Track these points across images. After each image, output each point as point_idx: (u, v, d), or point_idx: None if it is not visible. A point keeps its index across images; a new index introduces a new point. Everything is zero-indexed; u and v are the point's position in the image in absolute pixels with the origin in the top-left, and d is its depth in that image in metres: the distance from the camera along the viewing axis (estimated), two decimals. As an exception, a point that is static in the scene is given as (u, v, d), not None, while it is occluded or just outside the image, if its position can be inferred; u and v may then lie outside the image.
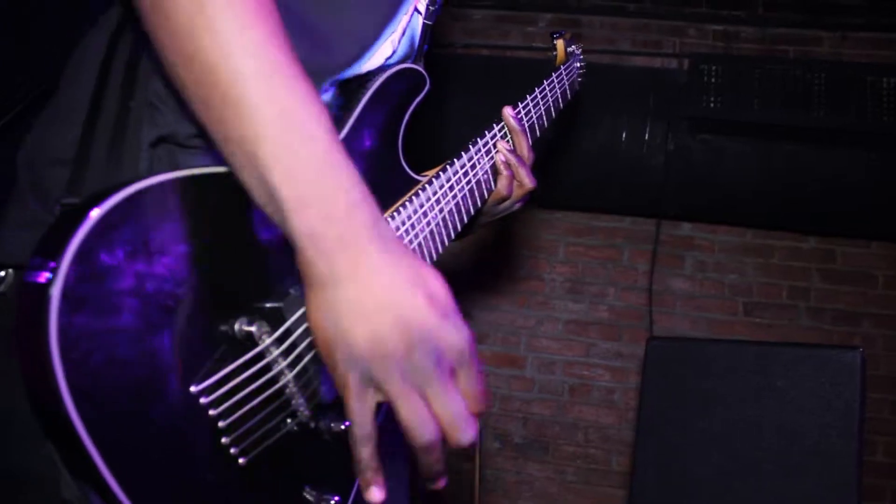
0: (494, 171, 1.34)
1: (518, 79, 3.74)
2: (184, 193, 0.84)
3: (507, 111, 1.38)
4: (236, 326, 0.86)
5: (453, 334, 0.81)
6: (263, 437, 0.87)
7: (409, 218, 1.12)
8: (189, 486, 0.81)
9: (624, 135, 3.26)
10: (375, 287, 0.79)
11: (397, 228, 1.09)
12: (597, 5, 4.24)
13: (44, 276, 0.72)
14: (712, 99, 3.01)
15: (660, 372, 2.52)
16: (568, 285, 4.00)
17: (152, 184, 0.81)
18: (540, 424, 3.86)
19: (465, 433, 0.82)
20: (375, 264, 0.80)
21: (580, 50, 1.76)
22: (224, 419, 0.83)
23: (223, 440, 0.83)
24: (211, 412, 0.82)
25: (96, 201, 0.77)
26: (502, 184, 1.35)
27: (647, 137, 3.22)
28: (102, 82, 0.97)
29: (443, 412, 0.81)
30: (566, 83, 1.62)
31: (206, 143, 0.96)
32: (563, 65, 1.63)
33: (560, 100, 1.59)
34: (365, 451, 0.83)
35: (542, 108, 1.51)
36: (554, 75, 1.57)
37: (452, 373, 0.82)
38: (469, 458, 3.32)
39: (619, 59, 4.04)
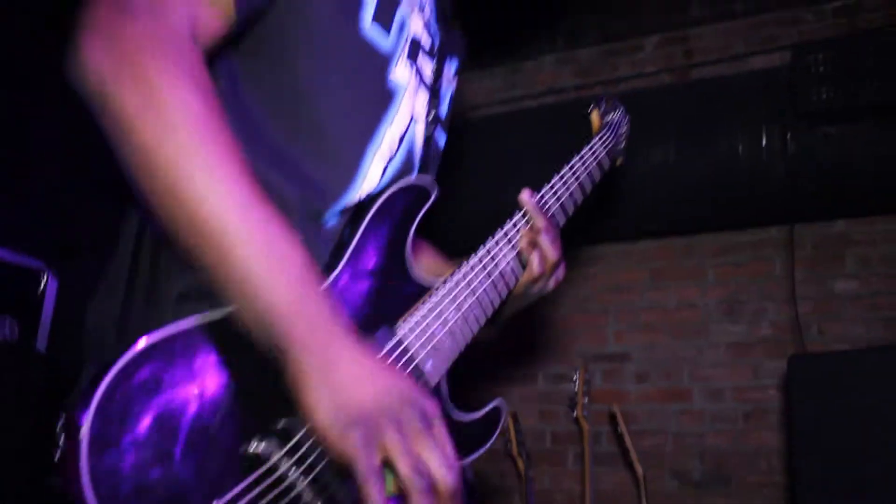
0: (520, 259, 1.35)
1: (633, 109, 3.70)
2: (197, 338, 0.96)
3: (525, 197, 1.37)
4: (251, 446, 0.97)
5: (427, 399, 0.96)
6: (286, 543, 0.96)
7: (423, 319, 1.18)
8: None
9: (741, 147, 3.12)
10: (365, 365, 0.94)
11: (410, 331, 1.16)
12: (703, 15, 4.12)
13: (77, 424, 0.87)
14: (823, 89, 2.82)
15: (806, 390, 2.37)
16: (723, 307, 3.83)
17: (166, 334, 0.94)
18: (718, 456, 3.68)
19: (450, 475, 0.92)
20: (358, 353, 0.95)
21: (621, 111, 1.73)
22: (248, 529, 0.93)
23: (248, 548, 0.93)
24: (234, 524, 0.93)
25: (118, 356, 0.91)
26: (534, 263, 1.34)
27: (764, 143, 3.07)
28: (138, 248, 1.13)
29: (431, 457, 0.92)
30: (602, 154, 1.61)
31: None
32: (597, 135, 1.63)
33: (597, 170, 1.58)
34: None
35: (574, 186, 1.49)
36: (586, 148, 1.56)
37: (431, 427, 0.94)
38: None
39: (735, 65, 3.89)
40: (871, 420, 2.23)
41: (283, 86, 1.15)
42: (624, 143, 1.76)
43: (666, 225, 3.82)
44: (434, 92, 1.35)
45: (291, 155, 1.14)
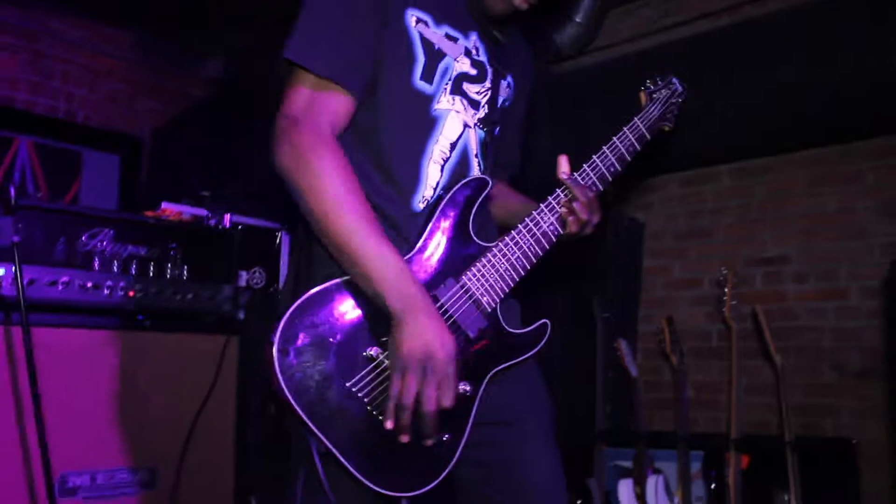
0: (561, 220, 1.85)
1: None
2: (336, 292, 1.67)
3: (564, 176, 1.85)
4: (368, 350, 1.67)
5: (449, 355, 1.61)
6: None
7: (481, 269, 1.78)
8: (354, 429, 1.63)
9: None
10: (426, 328, 1.60)
11: (471, 277, 1.76)
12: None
13: (271, 341, 1.59)
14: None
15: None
16: (881, 209, 3.95)
17: (318, 290, 1.65)
18: (875, 350, 3.88)
19: (428, 405, 1.60)
20: (425, 319, 1.61)
21: (672, 87, 2.12)
22: (367, 397, 1.64)
23: (368, 408, 1.64)
24: (359, 394, 1.64)
25: (292, 302, 1.65)
26: (571, 224, 1.84)
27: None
28: (307, 240, 1.84)
29: (428, 392, 1.60)
30: (642, 129, 2.00)
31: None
32: (637, 115, 2.01)
33: (636, 144, 1.98)
34: (405, 414, 1.60)
35: (613, 157, 1.93)
36: (625, 128, 1.97)
37: (442, 374, 1.60)
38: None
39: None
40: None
41: (367, 124, 1.79)
42: (675, 112, 2.11)
43: (823, 134, 3.99)
44: (489, 104, 1.91)
45: (368, 172, 1.78)
